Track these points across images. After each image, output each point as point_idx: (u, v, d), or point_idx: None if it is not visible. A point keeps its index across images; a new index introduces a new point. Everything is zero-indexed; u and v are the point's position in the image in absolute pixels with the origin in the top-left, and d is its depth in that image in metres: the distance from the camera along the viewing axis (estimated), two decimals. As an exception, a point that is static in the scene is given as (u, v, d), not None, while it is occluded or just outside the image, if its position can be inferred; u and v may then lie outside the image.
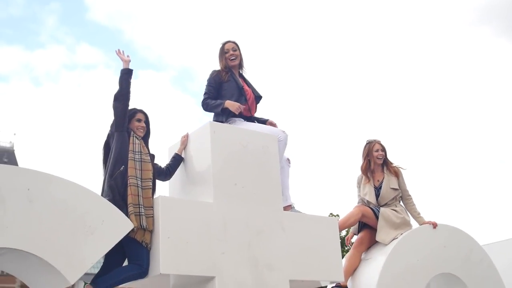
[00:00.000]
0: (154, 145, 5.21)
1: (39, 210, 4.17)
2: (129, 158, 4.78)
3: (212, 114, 5.79)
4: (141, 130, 5.08)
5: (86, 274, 4.33)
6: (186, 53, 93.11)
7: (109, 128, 5.00)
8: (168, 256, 4.55)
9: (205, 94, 5.80)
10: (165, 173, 5.25)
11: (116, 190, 4.64)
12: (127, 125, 4.98)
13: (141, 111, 5.17)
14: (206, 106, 5.76)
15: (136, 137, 4.94)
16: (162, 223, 4.62)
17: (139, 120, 5.09)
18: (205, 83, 5.87)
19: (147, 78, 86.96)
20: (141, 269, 4.59)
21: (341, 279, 5.67)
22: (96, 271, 4.83)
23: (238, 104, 5.60)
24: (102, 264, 4.84)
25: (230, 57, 5.96)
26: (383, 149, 6.63)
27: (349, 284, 6.07)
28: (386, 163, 6.62)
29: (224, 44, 6.05)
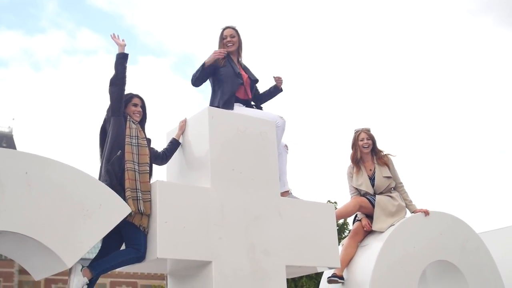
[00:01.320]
0: (154, 130, 5.22)
1: (37, 194, 4.18)
2: (126, 142, 4.78)
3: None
4: (137, 115, 5.08)
5: (82, 259, 4.36)
6: (187, 39, 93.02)
7: (105, 113, 5.00)
8: (165, 241, 4.58)
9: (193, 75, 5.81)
10: (161, 158, 5.25)
11: (113, 175, 4.65)
12: (123, 109, 4.98)
13: (137, 96, 5.16)
14: (193, 80, 5.80)
15: (132, 121, 4.94)
16: (160, 208, 4.63)
17: (135, 105, 5.09)
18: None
19: (148, 64, 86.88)
20: (139, 253, 4.61)
21: (337, 265, 5.70)
22: (92, 256, 4.85)
23: (214, 50, 5.65)
24: (99, 248, 4.87)
25: (227, 43, 5.96)
26: (369, 138, 6.56)
27: (345, 271, 6.09)
28: (375, 152, 6.60)
29: (223, 29, 6.04)
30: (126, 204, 4.51)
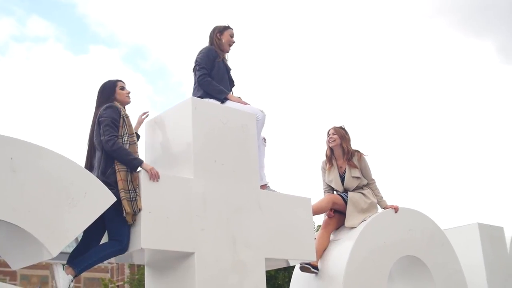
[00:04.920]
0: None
1: (22, 180, 4.06)
2: None
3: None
4: (128, 97, 5.03)
5: (61, 252, 4.27)
6: (139, 30, 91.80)
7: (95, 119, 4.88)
8: (149, 231, 4.53)
9: (202, 68, 5.73)
10: None
11: (111, 184, 4.54)
12: (113, 98, 4.90)
13: (119, 80, 5.06)
14: (207, 85, 5.69)
15: (125, 117, 4.84)
16: (143, 198, 4.57)
17: (122, 88, 5.02)
18: (200, 55, 5.85)
19: (98, 53, 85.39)
20: (121, 245, 4.54)
21: (313, 258, 5.75)
22: (71, 250, 4.74)
23: (240, 98, 5.62)
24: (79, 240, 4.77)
25: (231, 42, 6.03)
26: (336, 133, 6.60)
27: (319, 265, 6.15)
28: (344, 152, 6.62)
29: (230, 28, 6.06)
30: (112, 193, 4.44)
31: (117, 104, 4.93)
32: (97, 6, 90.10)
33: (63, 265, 4.38)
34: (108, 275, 49.57)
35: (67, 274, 4.36)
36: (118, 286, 38.83)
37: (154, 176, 4.63)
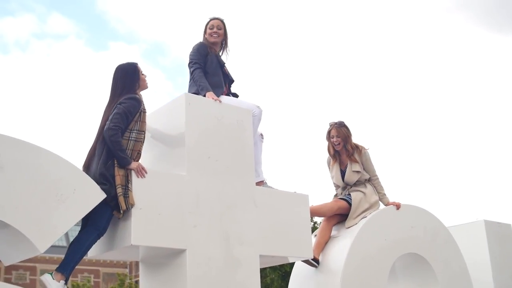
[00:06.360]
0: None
1: (9, 176, 4.06)
2: (123, 137, 4.67)
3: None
4: (147, 82, 5.04)
5: (53, 246, 4.24)
6: (159, 27, 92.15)
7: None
8: (139, 228, 4.50)
9: (195, 63, 5.71)
10: None
11: (109, 178, 4.52)
12: (137, 85, 4.93)
13: (137, 63, 5.03)
14: (195, 78, 5.67)
15: (142, 112, 4.82)
16: (135, 194, 4.54)
17: (142, 73, 5.02)
18: (191, 52, 5.81)
19: (118, 50, 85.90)
20: (97, 230, 4.48)
21: (310, 256, 5.70)
22: (61, 243, 4.73)
23: (217, 98, 5.47)
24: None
25: (213, 34, 5.90)
26: (339, 135, 6.50)
27: (320, 258, 6.10)
28: (346, 149, 6.55)
29: (211, 19, 5.98)
30: (101, 190, 4.42)
31: (140, 96, 4.91)
32: (116, 2, 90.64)
33: (51, 273, 4.35)
34: (127, 270, 49.96)
35: (58, 281, 4.32)
36: (136, 281, 39.06)
37: (139, 173, 4.61)
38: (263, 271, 25.59)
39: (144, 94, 5.03)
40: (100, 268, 50.58)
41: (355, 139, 6.67)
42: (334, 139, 6.53)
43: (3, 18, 77.35)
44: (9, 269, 46.80)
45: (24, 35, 78.91)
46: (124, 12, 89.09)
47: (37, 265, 45.29)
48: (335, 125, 6.55)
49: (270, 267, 24.72)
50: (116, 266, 49.74)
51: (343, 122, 6.59)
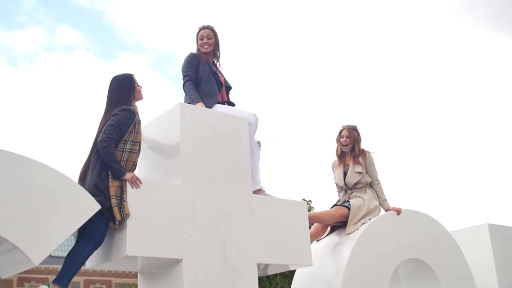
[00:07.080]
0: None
1: (3, 189, 4.08)
2: (118, 148, 4.69)
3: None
4: (142, 93, 5.07)
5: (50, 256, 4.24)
6: (167, 37, 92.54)
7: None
8: (135, 238, 4.50)
9: (186, 76, 5.77)
10: None
11: (103, 189, 4.53)
12: (133, 96, 4.96)
13: (133, 74, 5.05)
14: (186, 90, 5.74)
15: (137, 123, 4.84)
16: (130, 205, 4.55)
17: (137, 84, 5.05)
18: (183, 63, 5.86)
19: (127, 60, 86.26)
20: (94, 241, 4.48)
21: (309, 263, 5.68)
22: (59, 253, 4.72)
23: (202, 105, 5.52)
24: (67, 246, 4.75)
25: (204, 45, 5.94)
26: (349, 136, 6.61)
27: (316, 270, 6.09)
28: (354, 151, 6.62)
29: (200, 29, 6.01)
30: (96, 201, 4.43)
31: (135, 108, 4.93)
32: (124, 13, 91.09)
33: (48, 285, 4.35)
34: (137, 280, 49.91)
35: None
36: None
37: (134, 183, 4.62)
38: (273, 278, 25.58)
39: (152, 104, 5.06)
40: (112, 279, 50.63)
41: (364, 145, 6.75)
42: (344, 139, 6.60)
43: (12, 31, 77.94)
44: (22, 281, 46.94)
45: (33, 48, 79.45)
46: (132, 23, 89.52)
47: (49, 276, 45.40)
48: (348, 127, 6.69)
49: (281, 275, 24.72)
50: (128, 277, 49.71)
51: (356, 127, 6.73)
